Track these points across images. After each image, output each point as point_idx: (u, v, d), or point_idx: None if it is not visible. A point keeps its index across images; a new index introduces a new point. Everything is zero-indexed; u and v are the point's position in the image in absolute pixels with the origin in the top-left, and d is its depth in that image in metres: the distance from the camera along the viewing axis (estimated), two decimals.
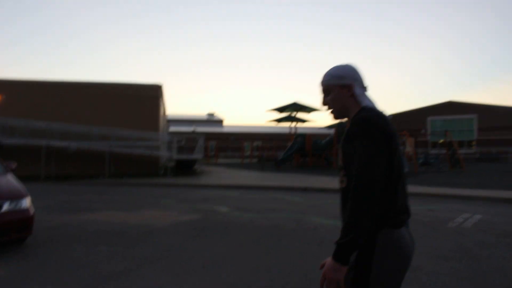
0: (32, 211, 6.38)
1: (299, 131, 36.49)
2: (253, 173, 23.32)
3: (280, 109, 34.64)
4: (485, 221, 8.30)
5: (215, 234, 7.26)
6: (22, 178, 7.08)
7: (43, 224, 7.88)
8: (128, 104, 23.25)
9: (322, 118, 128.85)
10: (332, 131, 33.69)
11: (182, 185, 17.10)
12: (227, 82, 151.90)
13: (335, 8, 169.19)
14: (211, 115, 75.37)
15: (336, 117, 2.18)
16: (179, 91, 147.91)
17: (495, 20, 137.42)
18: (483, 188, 13.57)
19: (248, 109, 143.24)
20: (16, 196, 6.28)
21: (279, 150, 40.40)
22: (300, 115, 35.97)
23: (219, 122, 71.58)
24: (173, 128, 49.47)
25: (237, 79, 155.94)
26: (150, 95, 23.98)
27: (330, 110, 2.17)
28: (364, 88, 2.13)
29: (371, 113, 1.96)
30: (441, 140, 39.42)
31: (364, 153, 1.84)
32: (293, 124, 37.55)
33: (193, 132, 50.15)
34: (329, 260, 1.84)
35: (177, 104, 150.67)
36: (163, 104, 28.76)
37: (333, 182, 16.59)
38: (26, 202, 6.37)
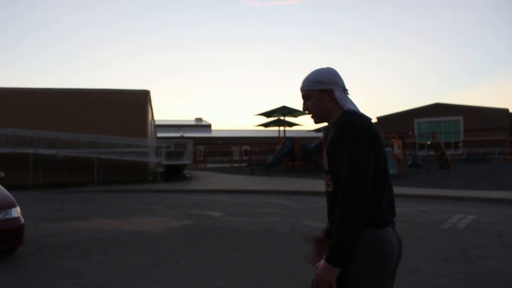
0: (22, 220, 6.27)
1: (287, 134, 36.43)
2: (243, 177, 23.25)
3: (268, 114, 34.60)
4: (479, 222, 8.33)
5: (209, 240, 7.18)
6: (9, 187, 6.95)
7: (33, 233, 7.74)
8: (116, 110, 23.08)
9: (310, 122, 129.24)
10: (320, 134, 33.72)
11: (172, 191, 16.99)
12: (214, 87, 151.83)
13: (320, 9, 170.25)
14: (199, 120, 75.18)
15: (317, 122, 2.18)
16: (166, 96, 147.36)
17: (480, 23, 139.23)
18: (473, 189, 13.64)
19: (236, 114, 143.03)
20: (5, 206, 6.16)
21: (267, 154, 40.33)
22: (289, 118, 35.98)
23: (207, 126, 71.38)
24: (160, 134, 49.22)
25: (224, 84, 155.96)
26: (138, 101, 23.85)
27: (311, 115, 2.17)
28: (345, 91, 2.13)
29: (356, 117, 1.97)
30: (429, 142, 39.74)
31: (351, 157, 1.85)
32: (282, 128, 37.55)
33: (181, 137, 49.96)
34: (322, 262, 1.86)
35: (164, 109, 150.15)
36: (151, 110, 28.60)
37: (323, 185, 16.47)
38: (16, 211, 6.25)
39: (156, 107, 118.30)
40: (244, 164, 38.04)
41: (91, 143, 21.53)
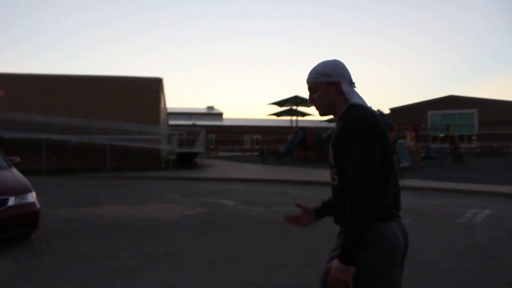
0: (37, 205, 6.28)
1: (300, 124, 36.31)
2: (255, 166, 23.21)
3: (281, 103, 34.51)
4: (495, 217, 8.21)
5: (224, 229, 7.16)
6: (22, 172, 6.96)
7: (48, 218, 7.77)
8: (129, 97, 23.10)
9: None
10: (333, 124, 33.54)
11: (184, 178, 17.01)
12: (227, 76, 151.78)
13: (335, 4, 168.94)
14: (210, 108, 75.11)
15: (322, 114, 2.17)
16: (178, 84, 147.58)
17: (496, 14, 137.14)
18: (488, 183, 13.47)
19: (248, 103, 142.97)
20: (22, 191, 6.18)
21: (279, 143, 40.23)
22: (301, 108, 35.84)
23: (219, 115, 71.28)
24: (172, 121, 49.30)
25: (237, 73, 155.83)
26: (151, 88, 23.83)
27: (317, 108, 2.15)
28: (352, 85, 2.10)
29: (362, 111, 1.96)
30: (442, 134, 39.35)
31: (358, 153, 1.84)
32: (294, 117, 37.43)
33: (193, 125, 50.00)
34: (335, 262, 1.85)
35: (176, 97, 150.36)
36: (164, 98, 28.59)
37: None
38: (32, 197, 6.26)
39: (169, 95, 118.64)
40: (255, 153, 38.05)
41: (104, 129, 21.58)
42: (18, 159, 7.51)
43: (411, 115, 45.36)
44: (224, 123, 63.23)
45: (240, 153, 41.50)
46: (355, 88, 2.11)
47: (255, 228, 7.16)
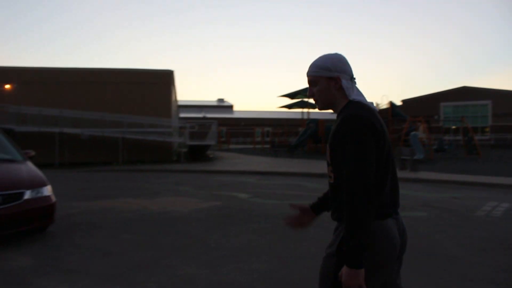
0: (53, 198, 6.27)
1: (311, 116, 36.11)
2: (266, 158, 23.15)
3: (292, 95, 34.31)
4: None
5: (239, 222, 7.10)
6: (35, 165, 6.96)
7: (63, 212, 7.75)
8: (140, 90, 23.10)
9: None
10: None
11: (197, 171, 16.99)
12: (237, 68, 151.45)
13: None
14: (221, 100, 75.07)
15: (321, 109, 2.16)
16: (189, 77, 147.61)
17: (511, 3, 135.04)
18: (505, 176, 13.28)
19: (259, 95, 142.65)
20: (38, 184, 6.17)
21: (290, 136, 40.09)
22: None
23: (229, 107, 71.27)
24: (182, 114, 49.34)
25: (247, 65, 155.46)
26: (162, 81, 23.81)
27: (316, 102, 2.13)
28: (352, 80, 2.08)
29: (358, 111, 1.92)
30: (454, 126, 38.98)
31: (353, 155, 1.83)
32: (305, 110, 37.24)
33: (204, 118, 50.02)
34: (344, 268, 1.81)
35: (187, 90, 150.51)
36: (175, 90, 28.57)
37: None
38: (48, 190, 6.25)
39: (179, 88, 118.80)
40: (266, 146, 37.96)
41: (115, 122, 21.62)
42: (33, 153, 7.50)
43: (423, 107, 44.92)
44: (235, 115, 63.19)
45: (251, 146, 41.43)
46: (355, 84, 2.08)
47: (271, 221, 7.09)
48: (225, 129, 46.74)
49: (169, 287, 4.15)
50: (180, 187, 11.68)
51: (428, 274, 4.46)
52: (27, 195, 5.87)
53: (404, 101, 48.84)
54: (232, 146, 41.74)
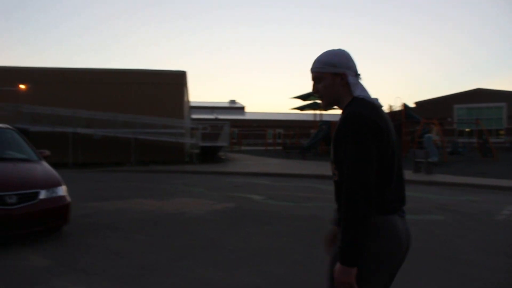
0: (68, 199, 6.25)
1: (324, 118, 35.94)
2: (279, 160, 23.05)
3: (304, 97, 34.19)
4: None
5: (254, 224, 7.03)
6: (50, 165, 6.95)
7: (77, 212, 7.74)
8: (153, 91, 23.12)
9: None
10: None
11: (209, 172, 16.95)
12: (249, 69, 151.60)
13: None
14: (232, 102, 75.07)
15: (326, 105, 2.12)
16: (201, 78, 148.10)
17: None
18: None
19: (271, 96, 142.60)
20: (53, 184, 6.16)
21: (302, 137, 39.92)
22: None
23: (241, 109, 71.22)
24: (194, 115, 49.40)
25: (259, 67, 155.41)
26: (175, 82, 23.81)
27: (321, 98, 2.10)
28: (357, 76, 2.05)
29: (361, 109, 1.89)
30: (468, 129, 38.52)
31: (353, 155, 1.81)
32: (317, 111, 37.11)
33: (215, 119, 50.04)
34: (337, 265, 1.82)
35: (199, 91, 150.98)
36: (187, 91, 28.60)
37: None
38: (62, 190, 6.24)
39: (191, 89, 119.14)
40: (278, 148, 37.85)
41: (128, 123, 21.67)
42: (48, 152, 7.50)
43: (437, 109, 44.47)
44: (247, 117, 63.14)
45: (262, 147, 41.36)
46: (360, 80, 2.05)
47: (286, 224, 7.02)
48: (237, 130, 46.68)
49: None
50: (193, 188, 11.64)
51: (446, 278, 4.36)
52: (42, 195, 5.86)
53: (417, 102, 48.39)
54: (243, 148, 41.68)
